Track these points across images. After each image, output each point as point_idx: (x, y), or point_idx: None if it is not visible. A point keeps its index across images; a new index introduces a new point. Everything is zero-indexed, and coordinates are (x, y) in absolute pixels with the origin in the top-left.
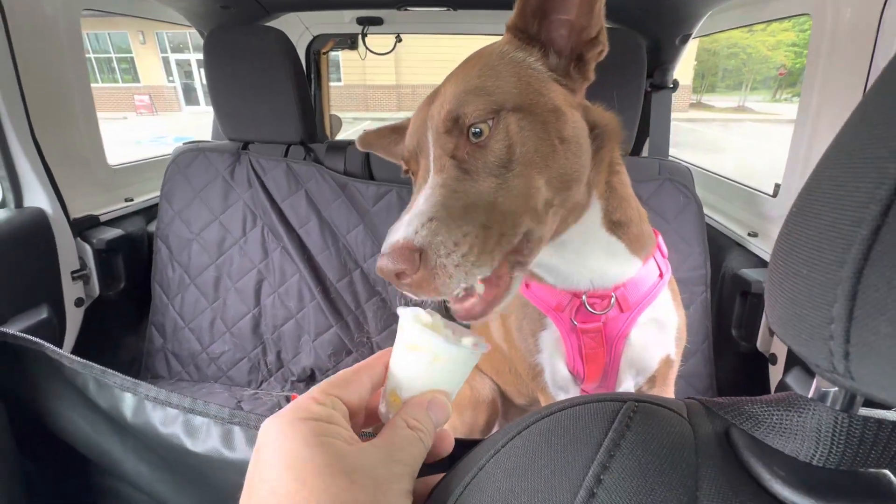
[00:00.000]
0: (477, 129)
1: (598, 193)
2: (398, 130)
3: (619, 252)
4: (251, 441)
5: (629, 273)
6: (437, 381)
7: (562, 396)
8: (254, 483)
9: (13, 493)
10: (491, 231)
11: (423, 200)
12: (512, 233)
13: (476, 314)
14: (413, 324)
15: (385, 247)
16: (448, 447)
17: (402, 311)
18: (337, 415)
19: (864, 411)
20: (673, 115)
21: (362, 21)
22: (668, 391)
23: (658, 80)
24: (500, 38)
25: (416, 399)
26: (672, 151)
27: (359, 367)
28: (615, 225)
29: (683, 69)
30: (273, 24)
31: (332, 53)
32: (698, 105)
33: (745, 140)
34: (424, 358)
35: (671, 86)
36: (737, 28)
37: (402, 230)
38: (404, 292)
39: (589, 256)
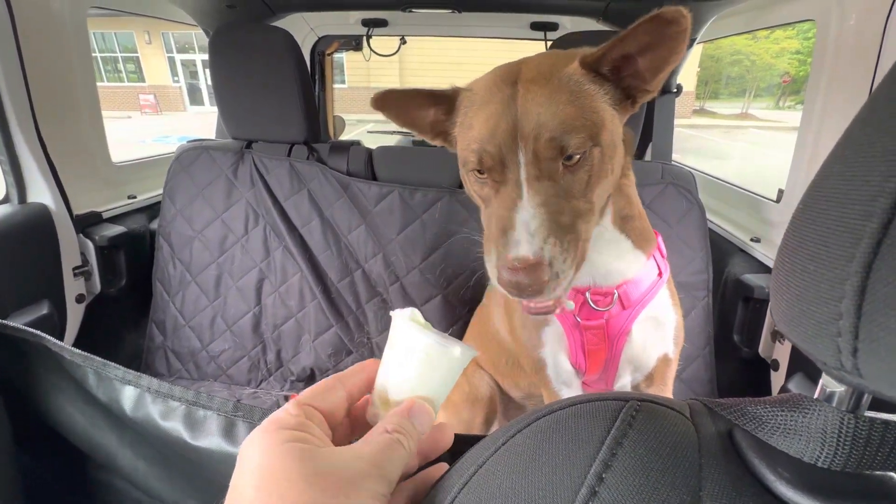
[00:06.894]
0: (569, 154)
1: (612, 199)
2: (423, 96)
3: (625, 247)
4: None
5: (635, 267)
6: (426, 383)
7: (565, 390)
8: (230, 490)
9: (10, 487)
10: (572, 249)
11: (530, 217)
12: (584, 248)
13: (544, 311)
14: (409, 324)
15: (511, 260)
16: (447, 440)
17: (396, 313)
18: (307, 422)
19: (871, 414)
20: (676, 121)
21: (367, 23)
22: (667, 391)
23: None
24: (496, 41)
25: (398, 408)
26: (675, 157)
27: (336, 377)
28: (623, 220)
29: (687, 76)
30: (278, 24)
31: (337, 56)
32: (701, 111)
33: (748, 147)
34: (417, 357)
35: (675, 90)
36: (741, 34)
37: (526, 246)
38: (521, 298)
39: (591, 253)
